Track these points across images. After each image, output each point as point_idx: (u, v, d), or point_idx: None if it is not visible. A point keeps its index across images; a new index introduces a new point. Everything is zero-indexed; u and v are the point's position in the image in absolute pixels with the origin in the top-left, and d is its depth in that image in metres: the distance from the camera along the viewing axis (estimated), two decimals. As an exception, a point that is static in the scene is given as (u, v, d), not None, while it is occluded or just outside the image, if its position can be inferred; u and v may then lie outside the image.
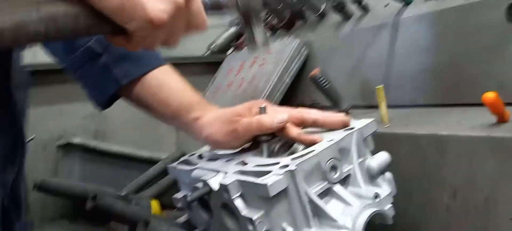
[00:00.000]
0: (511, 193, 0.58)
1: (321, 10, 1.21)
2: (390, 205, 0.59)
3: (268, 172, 0.54)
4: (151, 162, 1.20)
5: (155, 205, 0.94)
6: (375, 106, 1.00)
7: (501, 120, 0.66)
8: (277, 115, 0.62)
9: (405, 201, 0.72)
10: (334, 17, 1.18)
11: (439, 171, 0.67)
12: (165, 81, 0.69)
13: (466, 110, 0.80)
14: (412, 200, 0.71)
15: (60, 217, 1.24)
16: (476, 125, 0.67)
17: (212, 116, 0.67)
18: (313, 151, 0.57)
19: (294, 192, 0.54)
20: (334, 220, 0.54)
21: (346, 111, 1.04)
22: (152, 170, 1.12)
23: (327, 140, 0.60)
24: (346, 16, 1.13)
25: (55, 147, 1.27)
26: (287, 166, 0.54)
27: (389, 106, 1.00)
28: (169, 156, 1.19)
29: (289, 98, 1.26)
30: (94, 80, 0.68)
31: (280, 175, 0.53)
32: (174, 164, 0.74)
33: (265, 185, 0.51)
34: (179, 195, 0.71)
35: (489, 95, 0.62)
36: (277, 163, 0.57)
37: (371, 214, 0.54)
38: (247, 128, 0.63)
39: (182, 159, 0.76)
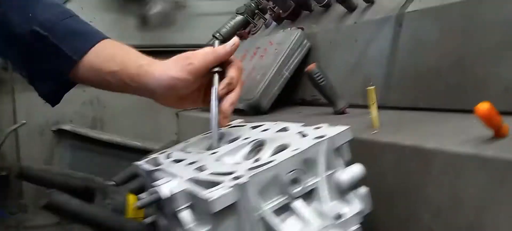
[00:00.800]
0: (499, 221, 0.51)
1: (325, 1, 1.14)
2: (357, 226, 0.53)
3: (219, 183, 0.49)
4: (145, 151, 1.17)
5: (132, 200, 0.91)
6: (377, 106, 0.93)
7: (498, 134, 0.58)
8: (228, 42, 0.66)
9: (387, 215, 0.66)
10: (339, 8, 1.10)
11: (423, 187, 0.60)
12: (115, 48, 0.68)
13: (469, 117, 0.72)
14: (394, 215, 0.64)
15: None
16: (469, 138, 0.59)
17: (162, 61, 0.67)
18: (273, 161, 0.52)
19: (244, 208, 0.49)
20: (288, 241, 0.49)
21: (343, 111, 0.97)
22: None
23: (291, 149, 0.54)
24: (351, 8, 1.05)
25: (51, 132, 1.26)
26: (239, 177, 0.49)
27: (390, 107, 0.93)
28: (163, 147, 1.16)
29: (289, 93, 1.19)
30: (45, 66, 0.65)
31: (229, 188, 0.48)
32: (141, 162, 0.70)
33: (207, 200, 0.46)
34: (142, 195, 0.67)
35: (482, 107, 0.54)
36: (233, 172, 0.52)
37: (329, 237, 0.48)
38: (203, 57, 0.64)
39: (150, 156, 0.72)
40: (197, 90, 0.68)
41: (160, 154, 0.72)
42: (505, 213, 0.50)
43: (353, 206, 0.54)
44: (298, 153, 0.53)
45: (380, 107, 0.94)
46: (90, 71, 0.67)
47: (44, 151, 1.26)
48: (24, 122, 1.12)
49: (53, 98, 0.71)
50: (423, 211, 0.59)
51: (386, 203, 0.65)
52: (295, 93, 1.22)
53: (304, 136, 0.59)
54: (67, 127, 1.19)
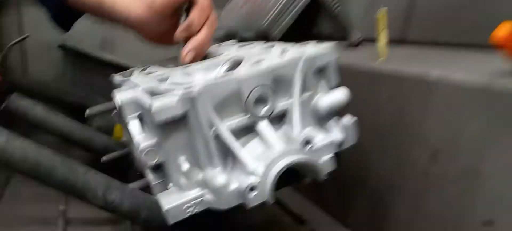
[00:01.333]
0: (500, 169, 0.42)
1: None
2: (330, 157, 0.45)
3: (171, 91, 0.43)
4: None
5: (118, 129, 0.85)
6: (396, 41, 0.83)
7: (522, 67, 0.48)
8: None
9: (380, 155, 0.58)
10: None
11: (420, 124, 0.51)
12: None
13: (492, 53, 0.61)
14: (388, 155, 0.56)
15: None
16: (484, 70, 0.49)
17: None
18: (235, 73, 0.45)
19: (195, 123, 0.42)
20: (244, 164, 0.42)
21: (356, 44, 0.87)
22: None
23: (262, 65, 0.47)
24: None
25: (58, 49, 1.23)
26: (191, 87, 0.42)
27: (409, 42, 0.82)
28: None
29: (303, 25, 1.09)
30: None
31: (176, 97, 0.41)
32: (117, 74, 0.65)
33: (150, 109, 0.40)
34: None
35: (500, 32, 0.44)
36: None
37: (291, 163, 0.41)
38: None
39: (130, 70, 0.66)
40: (174, 27, 0.61)
41: (141, 68, 0.67)
42: (505, 159, 0.41)
43: (329, 135, 0.47)
44: (265, 68, 0.45)
45: (399, 41, 0.84)
46: (79, 3, 0.64)
47: (52, 68, 1.24)
48: (28, 34, 1.08)
49: (62, 24, 0.70)
50: (420, 152, 0.51)
51: (380, 141, 0.57)
52: (313, 26, 1.12)
53: (284, 52, 0.51)
54: (70, 45, 1.15)
